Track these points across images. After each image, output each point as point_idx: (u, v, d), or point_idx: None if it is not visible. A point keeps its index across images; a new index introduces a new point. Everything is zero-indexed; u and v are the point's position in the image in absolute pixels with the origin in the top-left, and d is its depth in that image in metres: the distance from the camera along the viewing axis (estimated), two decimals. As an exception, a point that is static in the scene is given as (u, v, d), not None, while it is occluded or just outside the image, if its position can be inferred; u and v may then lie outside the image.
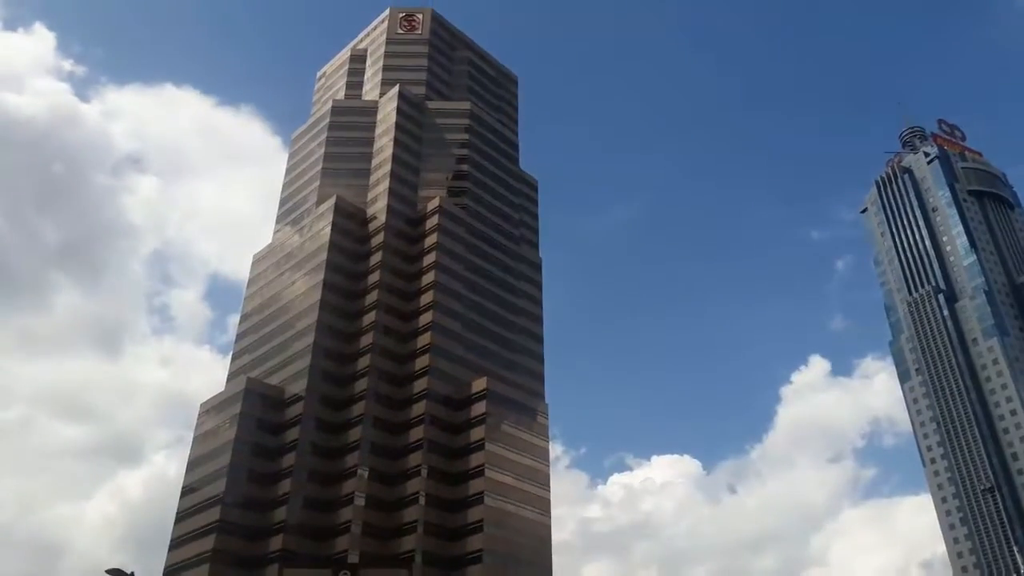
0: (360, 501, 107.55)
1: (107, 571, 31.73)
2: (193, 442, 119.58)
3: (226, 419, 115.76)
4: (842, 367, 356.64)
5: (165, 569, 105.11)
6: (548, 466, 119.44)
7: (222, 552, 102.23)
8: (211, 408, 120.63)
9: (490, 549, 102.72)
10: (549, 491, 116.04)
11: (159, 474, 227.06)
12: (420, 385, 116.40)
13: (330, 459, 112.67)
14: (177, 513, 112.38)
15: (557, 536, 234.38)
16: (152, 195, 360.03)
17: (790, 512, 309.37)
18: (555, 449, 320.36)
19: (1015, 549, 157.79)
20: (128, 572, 32.05)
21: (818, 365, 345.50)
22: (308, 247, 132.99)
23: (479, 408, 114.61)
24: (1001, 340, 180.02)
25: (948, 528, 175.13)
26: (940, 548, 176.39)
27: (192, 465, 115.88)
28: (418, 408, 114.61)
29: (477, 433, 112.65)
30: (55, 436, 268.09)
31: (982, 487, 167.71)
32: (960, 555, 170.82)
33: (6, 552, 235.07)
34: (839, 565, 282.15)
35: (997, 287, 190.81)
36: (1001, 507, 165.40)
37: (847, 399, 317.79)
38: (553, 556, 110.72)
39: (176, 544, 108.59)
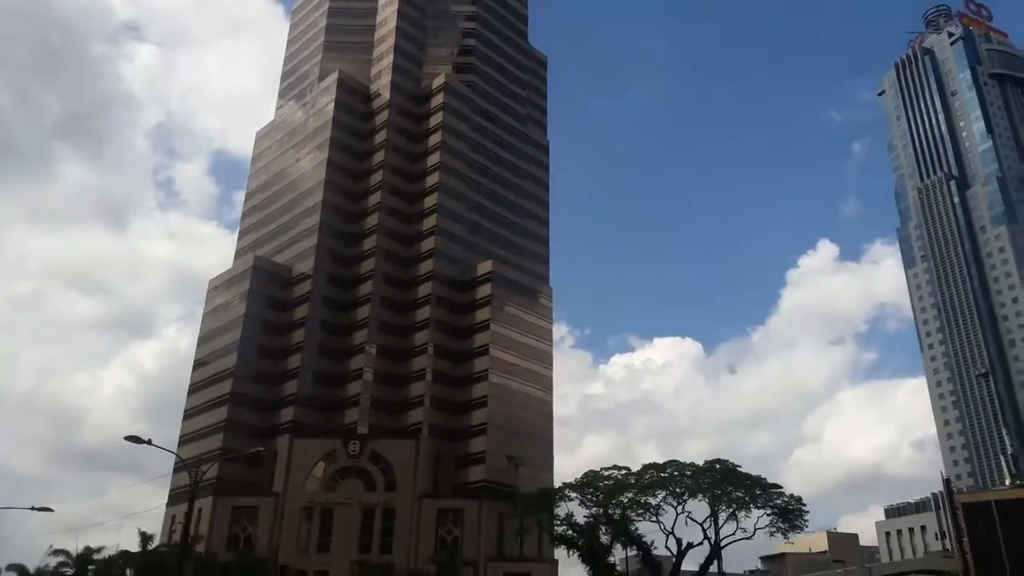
0: (368, 376, 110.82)
1: (126, 437, 33.03)
2: (203, 317, 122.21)
3: (235, 295, 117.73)
4: (851, 252, 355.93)
5: (180, 437, 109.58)
6: (551, 346, 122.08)
7: (235, 422, 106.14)
8: (220, 285, 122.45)
9: (494, 423, 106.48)
10: (552, 370, 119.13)
11: (171, 348, 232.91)
12: (426, 267, 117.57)
13: (338, 336, 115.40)
14: (190, 385, 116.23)
15: (559, 411, 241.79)
16: (152, 64, 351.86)
17: (788, 392, 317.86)
18: (560, 329, 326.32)
19: (1004, 432, 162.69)
20: (145, 439, 33.30)
21: (826, 249, 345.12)
22: (311, 124, 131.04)
23: (484, 290, 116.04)
24: (1009, 228, 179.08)
25: (940, 411, 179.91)
26: (932, 430, 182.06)
27: (203, 340, 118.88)
28: (424, 289, 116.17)
29: (482, 314, 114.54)
30: (69, 309, 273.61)
31: (977, 372, 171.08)
32: (950, 436, 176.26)
33: (28, 420, 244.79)
34: (832, 443, 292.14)
35: (1011, 174, 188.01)
36: (993, 392, 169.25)
37: (853, 284, 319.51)
38: (555, 429, 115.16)
39: (190, 414, 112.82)
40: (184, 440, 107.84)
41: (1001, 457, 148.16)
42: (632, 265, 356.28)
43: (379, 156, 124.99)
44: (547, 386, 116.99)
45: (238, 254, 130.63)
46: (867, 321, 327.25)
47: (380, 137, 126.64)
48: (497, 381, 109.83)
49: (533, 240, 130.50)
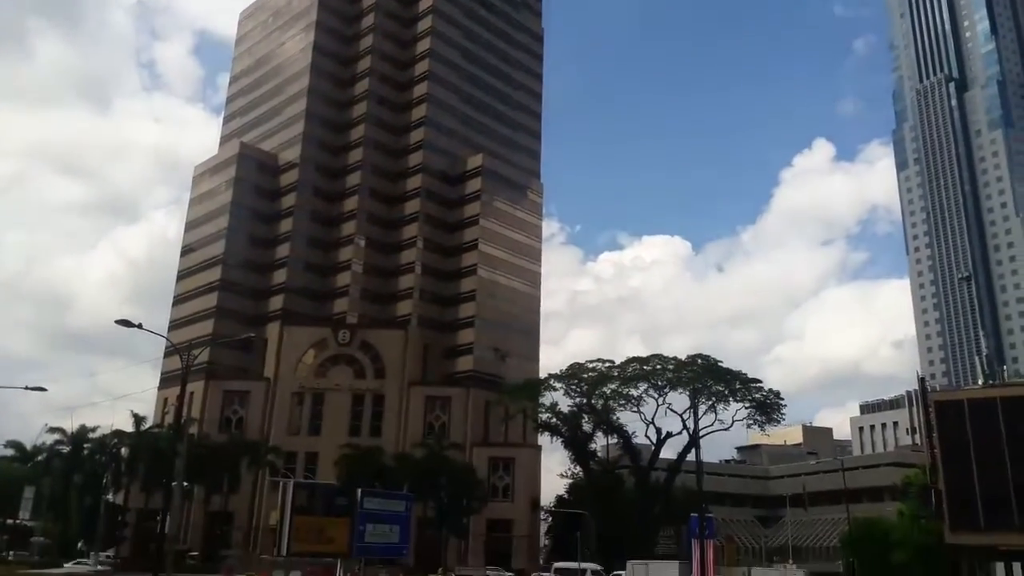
0: (358, 267, 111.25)
1: (116, 321, 33.15)
2: (190, 204, 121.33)
3: (222, 183, 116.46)
4: (846, 152, 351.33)
5: (170, 323, 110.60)
6: (540, 242, 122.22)
7: (225, 309, 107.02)
8: (206, 171, 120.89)
9: (481, 316, 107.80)
10: (540, 265, 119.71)
11: (159, 233, 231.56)
12: (415, 159, 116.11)
13: (327, 226, 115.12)
14: (179, 272, 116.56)
15: (547, 306, 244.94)
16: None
17: (774, 291, 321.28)
18: (550, 226, 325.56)
19: (981, 333, 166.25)
20: (136, 323, 33.45)
21: (822, 149, 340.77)
22: (296, 5, 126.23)
23: (474, 184, 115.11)
24: (1005, 132, 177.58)
25: (921, 312, 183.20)
26: (912, 330, 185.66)
27: (191, 226, 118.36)
28: (413, 182, 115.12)
29: (472, 209, 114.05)
30: (53, 192, 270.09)
31: (960, 275, 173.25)
32: (928, 336, 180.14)
33: (15, 303, 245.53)
34: (814, 340, 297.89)
35: (1011, 78, 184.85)
36: (974, 295, 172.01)
37: (847, 184, 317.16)
38: (542, 323, 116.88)
39: (179, 300, 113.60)
40: (174, 325, 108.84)
41: (976, 358, 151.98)
42: (625, 161, 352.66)
43: (367, 41, 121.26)
44: (535, 281, 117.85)
45: (223, 140, 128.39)
46: (859, 223, 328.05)
47: (369, 21, 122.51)
48: (485, 276, 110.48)
49: (524, 134, 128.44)
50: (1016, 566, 64.33)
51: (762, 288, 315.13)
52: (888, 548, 70.39)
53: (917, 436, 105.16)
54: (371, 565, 53.05)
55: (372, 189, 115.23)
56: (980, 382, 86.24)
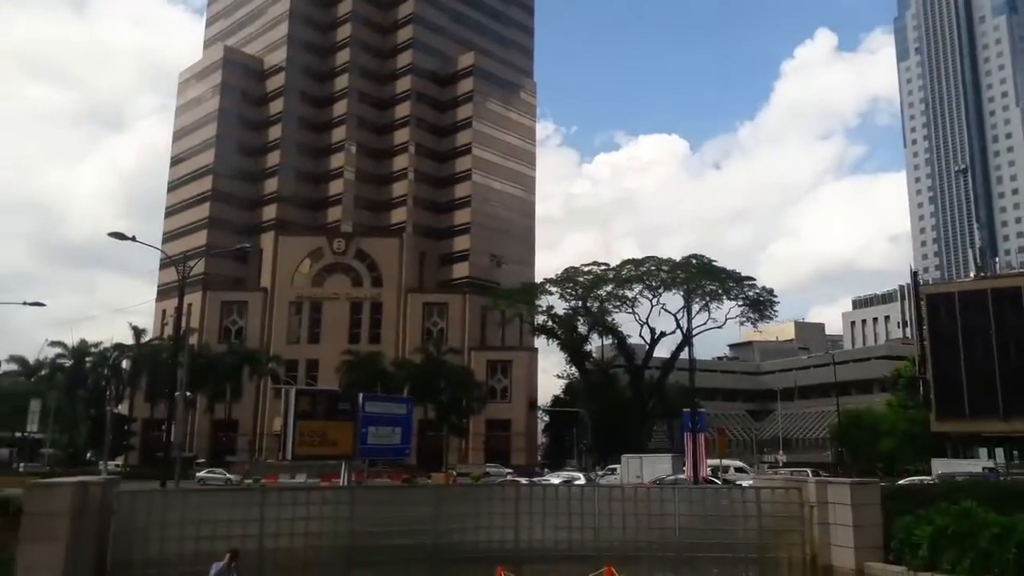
0: (350, 175, 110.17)
1: (109, 234, 32.96)
2: (177, 111, 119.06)
3: (208, 89, 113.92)
4: (848, 42, 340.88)
5: (164, 234, 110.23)
6: (534, 145, 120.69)
7: (218, 219, 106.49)
8: (191, 77, 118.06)
9: (477, 222, 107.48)
10: (535, 169, 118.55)
11: (149, 143, 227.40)
12: (404, 59, 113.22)
13: (317, 133, 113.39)
14: (169, 182, 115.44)
15: (542, 210, 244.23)
16: None
17: (770, 188, 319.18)
18: (546, 127, 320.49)
19: (975, 226, 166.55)
20: (129, 235, 33.29)
21: (824, 39, 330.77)
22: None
23: (466, 85, 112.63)
24: (1009, 18, 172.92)
25: (916, 206, 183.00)
26: (908, 224, 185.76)
27: (179, 135, 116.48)
28: (403, 83, 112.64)
29: (464, 111, 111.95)
30: (36, 101, 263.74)
31: (956, 168, 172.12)
32: (923, 231, 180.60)
33: (5, 214, 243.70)
34: (809, 237, 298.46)
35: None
36: (970, 188, 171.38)
37: (848, 76, 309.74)
38: (537, 228, 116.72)
39: (172, 211, 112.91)
40: (168, 237, 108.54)
41: (970, 251, 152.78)
42: (622, 58, 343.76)
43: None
44: (530, 186, 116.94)
45: (207, 44, 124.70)
46: (859, 115, 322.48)
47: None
48: (480, 181, 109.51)
49: (516, 30, 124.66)
50: (999, 451, 66.65)
51: (759, 185, 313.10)
52: (876, 437, 72.74)
53: (908, 329, 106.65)
54: (375, 466, 54.84)
55: (361, 92, 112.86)
56: (972, 274, 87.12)
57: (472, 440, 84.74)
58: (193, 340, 75.25)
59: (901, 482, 33.56)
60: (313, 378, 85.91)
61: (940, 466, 51.12)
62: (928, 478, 40.90)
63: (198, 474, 55.40)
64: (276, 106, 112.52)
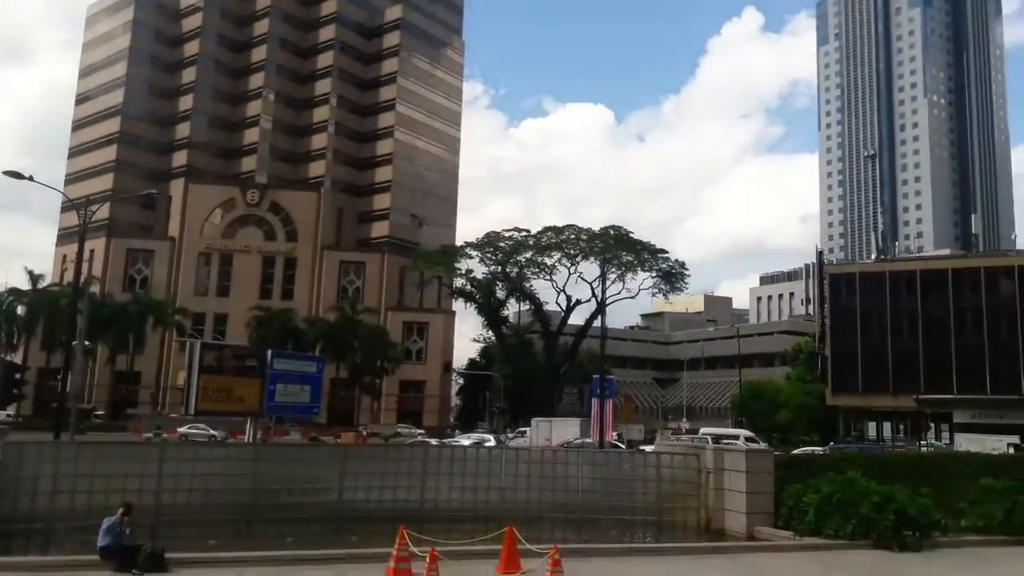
0: (267, 124, 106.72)
1: (4, 172, 30.97)
2: (84, 47, 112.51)
3: (119, 25, 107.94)
4: (774, 23, 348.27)
5: (67, 176, 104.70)
6: (460, 105, 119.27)
7: (126, 163, 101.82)
8: (101, 11, 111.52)
9: (398, 180, 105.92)
10: (460, 130, 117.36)
11: (54, 79, 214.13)
12: (329, 7, 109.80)
13: (234, 78, 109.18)
14: (74, 121, 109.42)
15: (467, 173, 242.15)
16: None
17: (692, 164, 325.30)
18: (475, 88, 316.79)
19: (879, 211, 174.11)
20: (27, 175, 31.40)
21: (751, 18, 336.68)
22: None
23: (392, 39, 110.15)
24: (924, 11, 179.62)
25: (826, 188, 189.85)
26: (818, 206, 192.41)
27: (86, 72, 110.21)
28: (327, 32, 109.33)
29: (389, 65, 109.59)
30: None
31: (866, 153, 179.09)
32: (830, 212, 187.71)
33: None
34: (724, 212, 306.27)
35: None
36: (877, 173, 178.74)
37: (772, 57, 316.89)
38: (461, 190, 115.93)
39: (76, 152, 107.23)
40: (71, 179, 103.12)
41: (873, 234, 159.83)
42: (553, 23, 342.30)
43: None
44: (454, 147, 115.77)
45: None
46: (779, 96, 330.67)
47: None
48: (403, 138, 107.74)
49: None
50: (886, 425, 70.66)
51: (680, 160, 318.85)
52: (775, 408, 75.98)
53: (811, 307, 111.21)
54: (282, 424, 54.11)
55: (282, 39, 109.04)
56: (873, 257, 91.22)
57: (385, 400, 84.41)
58: (95, 288, 72.14)
59: (795, 452, 35.14)
60: (221, 332, 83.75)
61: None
62: (820, 449, 43.00)
63: (179, 429, 52.29)
64: (192, 48, 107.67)
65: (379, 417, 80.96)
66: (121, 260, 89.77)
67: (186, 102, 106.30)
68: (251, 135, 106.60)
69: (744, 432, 53.29)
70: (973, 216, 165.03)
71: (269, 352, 34.43)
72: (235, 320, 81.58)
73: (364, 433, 58.82)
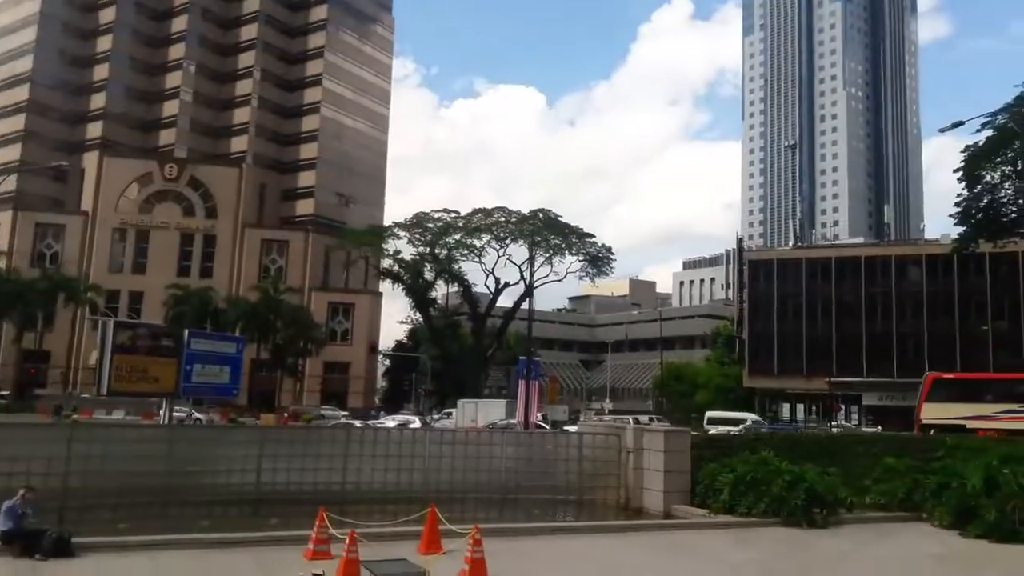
0: (187, 96, 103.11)
1: None
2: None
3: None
4: (704, 10, 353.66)
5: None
6: (390, 83, 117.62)
7: (35, 133, 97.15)
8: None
9: (324, 158, 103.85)
10: (389, 108, 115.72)
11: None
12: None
13: (152, 48, 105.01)
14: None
15: (397, 152, 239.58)
16: None
17: (621, 149, 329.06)
18: (405, 66, 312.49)
19: (798, 200, 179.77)
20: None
21: (681, 5, 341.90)
22: None
23: (319, 12, 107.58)
24: (844, 6, 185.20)
25: (748, 176, 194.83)
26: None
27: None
28: (251, 3, 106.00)
29: (316, 39, 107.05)
30: None
31: (786, 143, 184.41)
32: (751, 200, 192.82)
33: None
34: (651, 198, 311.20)
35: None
36: (797, 163, 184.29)
37: (701, 44, 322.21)
38: (389, 170, 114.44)
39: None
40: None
41: (791, 222, 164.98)
42: (486, 3, 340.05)
43: None
44: (383, 125, 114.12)
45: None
46: (707, 84, 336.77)
47: None
48: (329, 115, 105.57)
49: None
50: (800, 406, 73.41)
51: (609, 145, 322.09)
52: (694, 389, 78.02)
53: (731, 291, 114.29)
54: (200, 405, 52.73)
55: (205, 9, 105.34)
56: (791, 244, 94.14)
57: (308, 382, 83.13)
58: (1, 263, 68.76)
59: (711, 432, 36.13)
60: (136, 311, 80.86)
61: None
62: (736, 429, 44.31)
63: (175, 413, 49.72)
64: (107, 14, 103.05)
65: (302, 399, 79.76)
66: (29, 234, 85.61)
67: (102, 71, 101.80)
68: (170, 107, 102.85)
69: (751, 416, 54.54)
70: (886, 206, 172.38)
71: (187, 332, 33.53)
72: (151, 298, 78.83)
73: (285, 415, 57.87)
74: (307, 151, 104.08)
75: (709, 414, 54.97)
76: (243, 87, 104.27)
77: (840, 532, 16.45)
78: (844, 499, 17.89)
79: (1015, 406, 37.95)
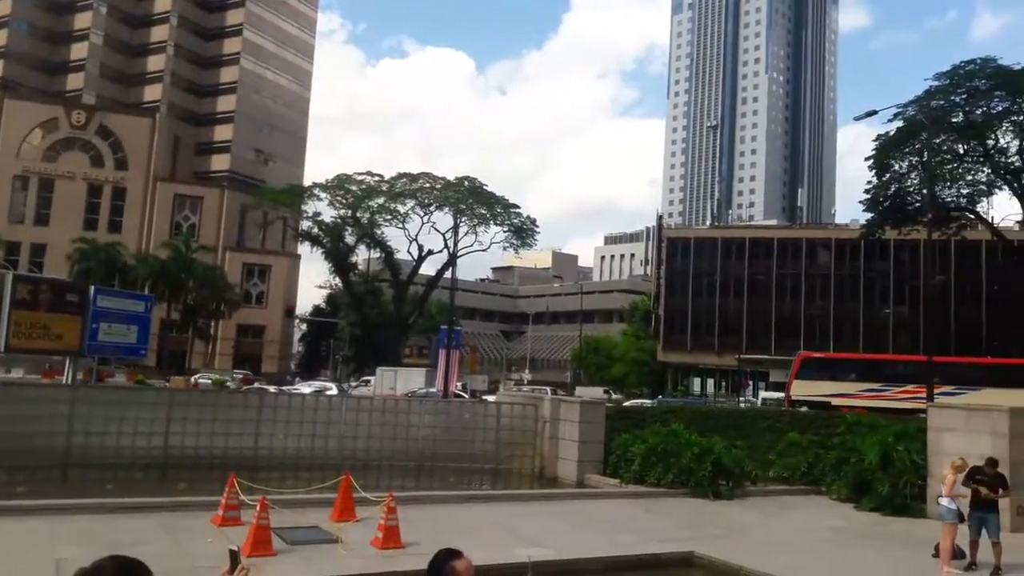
0: (97, 39, 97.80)
1: None
2: None
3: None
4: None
5: None
6: (314, 37, 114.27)
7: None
8: None
9: (242, 112, 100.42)
10: (312, 63, 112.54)
11: None
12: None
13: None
14: None
15: (320, 109, 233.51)
16: None
17: (548, 120, 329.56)
18: (331, 20, 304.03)
19: (717, 180, 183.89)
20: None
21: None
22: None
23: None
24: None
25: (670, 155, 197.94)
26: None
27: None
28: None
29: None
30: None
31: (708, 124, 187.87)
32: (672, 179, 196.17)
33: None
34: (577, 171, 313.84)
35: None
36: (718, 143, 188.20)
37: (632, 20, 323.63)
38: (311, 128, 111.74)
39: None
40: None
41: (710, 201, 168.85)
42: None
43: None
44: (306, 81, 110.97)
45: None
46: (636, 60, 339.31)
47: None
48: (249, 67, 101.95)
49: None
50: (710, 381, 75.73)
51: (538, 116, 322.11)
52: (610, 362, 79.54)
53: (650, 267, 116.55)
54: (107, 365, 50.80)
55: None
56: (708, 223, 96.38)
57: (221, 345, 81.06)
58: None
59: (626, 404, 36.95)
60: (38, 264, 76.94)
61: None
62: (649, 402, 45.47)
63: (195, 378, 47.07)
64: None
65: (214, 362, 77.75)
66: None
67: (4, 7, 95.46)
68: (79, 50, 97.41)
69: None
70: (800, 190, 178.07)
71: (92, 288, 32.21)
72: (55, 252, 75.08)
73: (195, 379, 56.35)
74: (225, 104, 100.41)
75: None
76: (158, 33, 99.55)
77: (745, 503, 17.09)
78: (749, 472, 18.60)
79: (875, 385, 40.30)
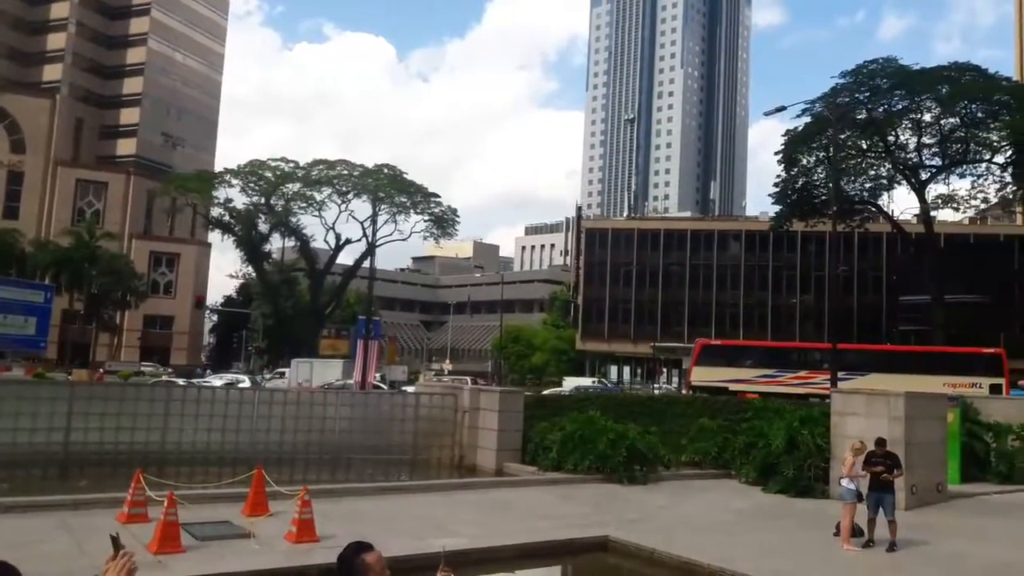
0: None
1: None
2: None
3: None
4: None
5: None
6: (226, 18, 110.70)
7: None
8: None
9: (150, 94, 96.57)
10: (224, 46, 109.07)
11: None
12: None
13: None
14: None
15: (232, 92, 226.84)
16: None
17: (470, 110, 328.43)
18: (248, 1, 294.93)
19: (634, 173, 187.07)
20: None
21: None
22: None
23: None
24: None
25: (589, 147, 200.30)
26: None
27: None
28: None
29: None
30: None
31: (626, 117, 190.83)
32: (591, 170, 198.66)
33: None
34: (500, 161, 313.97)
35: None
36: (635, 136, 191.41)
37: (555, 11, 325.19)
38: (223, 112, 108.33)
39: None
40: None
41: (627, 193, 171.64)
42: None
43: None
44: (217, 63, 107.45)
45: None
46: (558, 52, 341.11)
47: None
48: (157, 48, 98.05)
49: None
50: (627, 368, 77.17)
51: (460, 105, 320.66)
52: (531, 351, 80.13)
53: (570, 258, 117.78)
54: (3, 359, 48.19)
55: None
56: (625, 215, 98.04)
57: (127, 336, 78.06)
58: None
59: (544, 392, 37.29)
60: (-74, 252, 72.34)
61: (571, 382, 57.81)
62: (564, 390, 46.02)
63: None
64: None
65: (119, 354, 74.81)
66: None
67: None
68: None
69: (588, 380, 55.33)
70: (712, 183, 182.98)
71: (-15, 277, 30.48)
72: (-56, 239, 70.74)
73: (100, 372, 54.08)
74: (131, 86, 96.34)
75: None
76: (59, 9, 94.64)
77: (657, 488, 17.49)
78: (663, 457, 19.03)
79: (770, 371, 41.94)
